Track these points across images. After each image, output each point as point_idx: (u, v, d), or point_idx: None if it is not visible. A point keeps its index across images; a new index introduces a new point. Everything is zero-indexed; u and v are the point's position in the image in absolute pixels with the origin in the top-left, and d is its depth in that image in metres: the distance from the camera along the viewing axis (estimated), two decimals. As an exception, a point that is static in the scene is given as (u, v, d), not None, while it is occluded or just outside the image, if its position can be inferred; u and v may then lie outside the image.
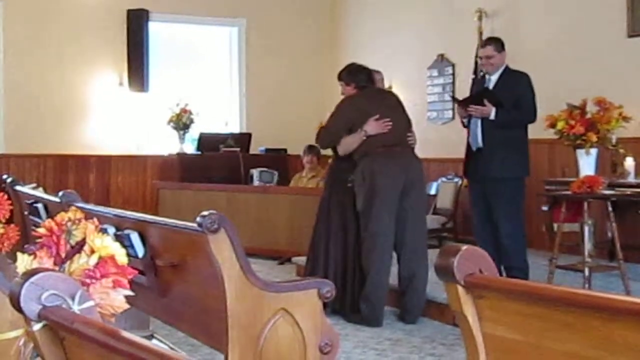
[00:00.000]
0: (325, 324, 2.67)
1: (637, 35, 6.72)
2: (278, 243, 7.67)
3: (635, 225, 5.89)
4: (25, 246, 1.94)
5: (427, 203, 6.72)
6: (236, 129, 10.30)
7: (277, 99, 10.40)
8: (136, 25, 9.70)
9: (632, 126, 5.22)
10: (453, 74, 8.81)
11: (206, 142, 9.47)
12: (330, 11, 10.83)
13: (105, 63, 9.69)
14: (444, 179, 8.29)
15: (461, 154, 5.94)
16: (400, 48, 9.45)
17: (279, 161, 9.53)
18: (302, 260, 6.06)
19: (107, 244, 1.79)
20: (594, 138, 4.95)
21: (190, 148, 9.75)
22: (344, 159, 5.36)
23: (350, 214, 5.29)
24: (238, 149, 9.31)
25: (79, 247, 1.82)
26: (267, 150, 9.78)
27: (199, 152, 9.51)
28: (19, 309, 1.45)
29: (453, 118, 8.52)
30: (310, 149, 8.41)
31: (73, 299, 1.46)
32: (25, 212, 4.91)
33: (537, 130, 5.67)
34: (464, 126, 5.78)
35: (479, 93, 5.65)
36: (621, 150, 5.69)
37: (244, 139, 9.66)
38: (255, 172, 8.85)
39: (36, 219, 4.44)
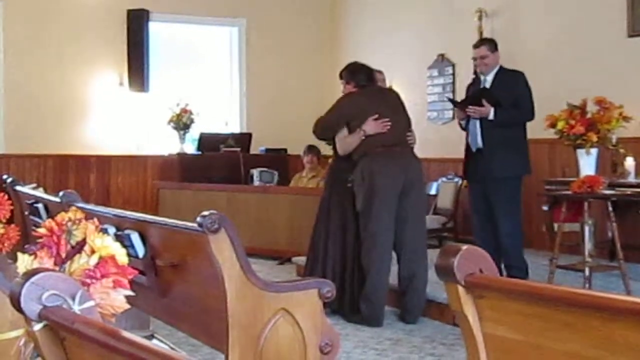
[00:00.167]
0: (325, 324, 2.67)
1: (637, 35, 6.72)
2: (278, 243, 7.67)
3: (636, 225, 5.89)
4: (26, 246, 1.94)
5: (426, 203, 6.73)
6: (236, 129, 10.31)
7: (278, 99, 10.40)
8: (136, 25, 9.70)
9: (633, 126, 5.22)
10: (453, 74, 8.81)
11: (206, 142, 9.48)
12: (330, 11, 10.83)
13: (105, 63, 9.69)
14: (444, 179, 8.29)
15: (461, 154, 5.94)
16: (400, 48, 9.45)
17: (279, 161, 9.54)
18: (302, 260, 6.06)
19: (107, 244, 1.79)
20: (594, 138, 4.95)
21: (190, 148, 9.75)
22: (344, 159, 5.36)
23: (349, 214, 5.30)
24: (238, 149, 9.31)
25: (79, 247, 1.82)
26: (267, 150, 9.78)
27: (199, 152, 9.51)
28: (19, 309, 1.45)
29: (453, 118, 8.51)
30: (310, 149, 8.42)
31: (73, 299, 1.46)
32: (26, 212, 4.91)
33: (537, 130, 5.68)
34: (462, 128, 5.80)
35: (476, 94, 5.66)
36: (621, 150, 5.69)
37: (244, 139, 9.66)
38: (255, 172, 8.86)
39: (36, 219, 4.44)
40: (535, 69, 6.90)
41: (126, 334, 1.25)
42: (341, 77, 5.55)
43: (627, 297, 1.44)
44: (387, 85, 6.59)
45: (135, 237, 3.07)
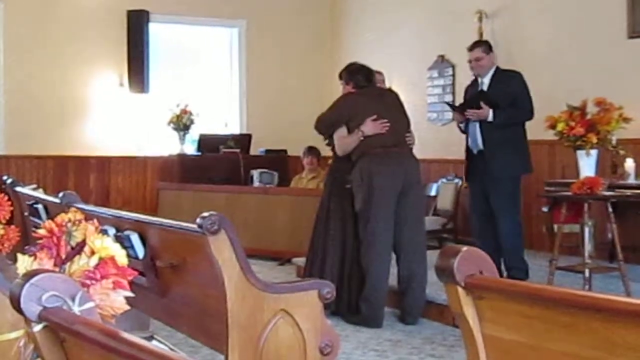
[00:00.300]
0: (325, 325, 2.67)
1: (637, 36, 6.72)
2: (278, 244, 7.67)
3: (636, 226, 5.89)
4: (26, 247, 1.94)
5: (425, 203, 6.73)
6: (236, 130, 10.31)
7: (277, 100, 10.40)
8: (136, 26, 9.70)
9: (633, 127, 5.22)
10: (453, 75, 8.81)
11: (206, 143, 9.48)
12: (330, 12, 10.83)
13: (105, 64, 9.69)
14: (444, 180, 8.29)
15: (461, 154, 5.95)
16: (400, 49, 9.45)
17: (279, 162, 9.54)
18: (302, 261, 6.06)
19: (107, 245, 1.79)
20: (594, 139, 4.95)
21: (190, 149, 9.75)
22: (343, 159, 5.36)
23: (349, 215, 5.30)
24: (238, 150, 9.31)
25: (79, 248, 1.82)
26: (267, 151, 9.78)
27: (199, 153, 9.51)
28: (19, 310, 1.45)
29: (453, 119, 8.51)
30: (310, 150, 8.42)
31: (73, 300, 1.46)
32: (26, 213, 4.91)
33: (537, 131, 5.68)
34: (462, 131, 5.80)
35: (474, 97, 5.67)
36: (621, 152, 5.69)
37: (244, 140, 9.66)
38: (255, 173, 8.86)
39: (36, 220, 4.44)
40: (535, 70, 6.91)
41: (126, 335, 1.25)
42: (340, 77, 5.56)
43: (626, 299, 1.44)
44: (387, 86, 6.59)
45: (135, 238, 3.07)
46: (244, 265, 2.57)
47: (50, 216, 3.73)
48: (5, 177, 5.71)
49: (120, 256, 1.79)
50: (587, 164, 5.03)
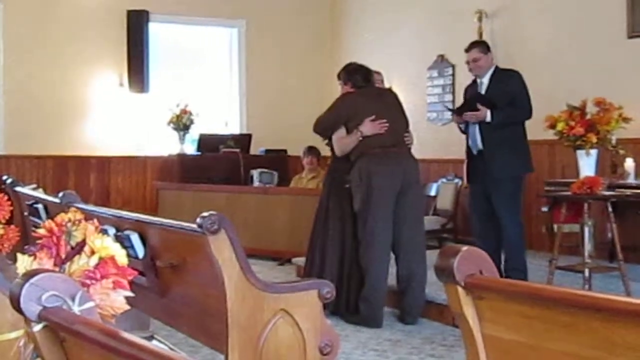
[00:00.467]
0: (325, 325, 2.67)
1: (637, 35, 6.72)
2: (278, 244, 7.67)
3: (636, 226, 5.89)
4: (25, 247, 1.94)
5: (424, 203, 6.73)
6: (236, 130, 10.31)
7: (277, 100, 10.40)
8: (136, 26, 9.70)
9: (632, 127, 5.22)
10: (453, 75, 8.81)
11: (206, 142, 9.48)
12: (330, 12, 10.83)
13: (105, 64, 9.69)
14: (444, 180, 8.29)
15: (461, 154, 5.95)
16: (400, 48, 9.45)
17: (279, 162, 9.54)
18: (302, 261, 6.06)
19: (107, 245, 1.79)
20: (594, 139, 4.95)
21: (190, 149, 9.75)
22: (342, 159, 5.36)
23: (348, 215, 5.30)
24: (238, 150, 9.31)
25: (79, 248, 1.82)
26: (267, 151, 9.78)
27: (199, 153, 9.51)
28: (19, 309, 1.45)
29: (453, 120, 8.51)
30: (310, 150, 8.42)
31: (73, 299, 1.46)
32: (25, 213, 4.91)
33: (537, 131, 5.68)
34: (462, 132, 5.81)
35: (471, 99, 5.68)
36: (621, 151, 5.69)
37: (244, 140, 9.66)
38: (255, 173, 8.86)
39: (36, 220, 4.44)
40: (535, 70, 6.91)
41: (126, 335, 1.25)
42: (339, 77, 5.56)
43: (626, 299, 1.44)
44: (387, 85, 6.59)
45: (135, 238, 3.07)
46: (244, 265, 2.57)
47: (50, 216, 3.73)
48: (5, 177, 5.71)
49: (120, 256, 1.79)
50: (587, 164, 5.03)
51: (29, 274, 1.47)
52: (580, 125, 4.95)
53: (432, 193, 8.26)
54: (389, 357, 4.45)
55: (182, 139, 9.67)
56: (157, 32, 10.01)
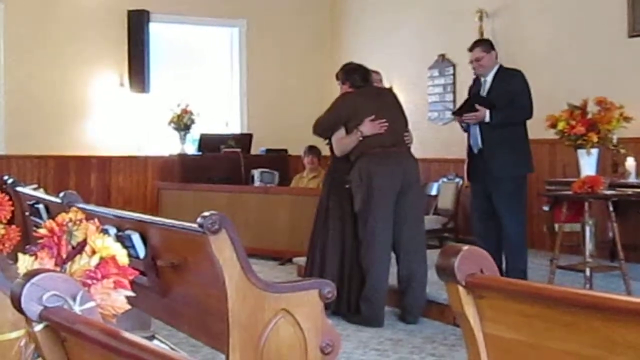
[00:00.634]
0: (326, 325, 2.67)
1: (638, 35, 6.72)
2: (279, 243, 7.67)
3: (637, 225, 5.89)
4: (27, 247, 1.94)
5: (424, 203, 6.73)
6: (237, 130, 10.31)
7: (278, 99, 10.40)
8: (137, 26, 9.70)
9: (633, 126, 5.22)
10: (454, 75, 8.80)
11: (207, 142, 9.48)
12: (330, 11, 10.83)
13: (105, 64, 9.69)
14: (444, 179, 8.29)
15: (462, 154, 5.95)
16: (400, 48, 9.45)
17: (280, 162, 9.54)
18: (302, 260, 6.06)
19: (108, 245, 1.79)
20: (595, 138, 4.95)
21: (191, 149, 9.75)
22: (342, 159, 5.36)
23: (348, 215, 5.30)
24: (239, 150, 9.31)
25: (80, 247, 1.82)
26: (267, 150, 9.79)
27: (200, 153, 9.51)
28: (20, 309, 1.45)
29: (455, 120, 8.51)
30: (310, 149, 8.42)
31: (74, 299, 1.46)
32: (26, 213, 4.91)
33: (538, 131, 5.68)
34: (464, 130, 5.81)
35: (469, 101, 5.69)
36: (622, 151, 5.69)
37: (244, 140, 9.66)
38: (256, 173, 8.86)
39: (37, 220, 4.44)
40: (535, 69, 6.90)
41: (127, 335, 1.25)
42: (337, 77, 5.55)
43: (627, 298, 1.44)
44: (387, 85, 6.59)
45: (136, 238, 3.07)
46: (245, 264, 2.57)
47: (51, 216, 3.73)
48: (6, 177, 5.71)
49: (121, 256, 1.79)
50: (587, 163, 5.03)
51: (30, 274, 1.47)
52: (581, 125, 4.95)
53: (433, 192, 8.26)
54: (390, 357, 4.45)
55: (182, 139, 9.67)
56: (158, 32, 10.01)
